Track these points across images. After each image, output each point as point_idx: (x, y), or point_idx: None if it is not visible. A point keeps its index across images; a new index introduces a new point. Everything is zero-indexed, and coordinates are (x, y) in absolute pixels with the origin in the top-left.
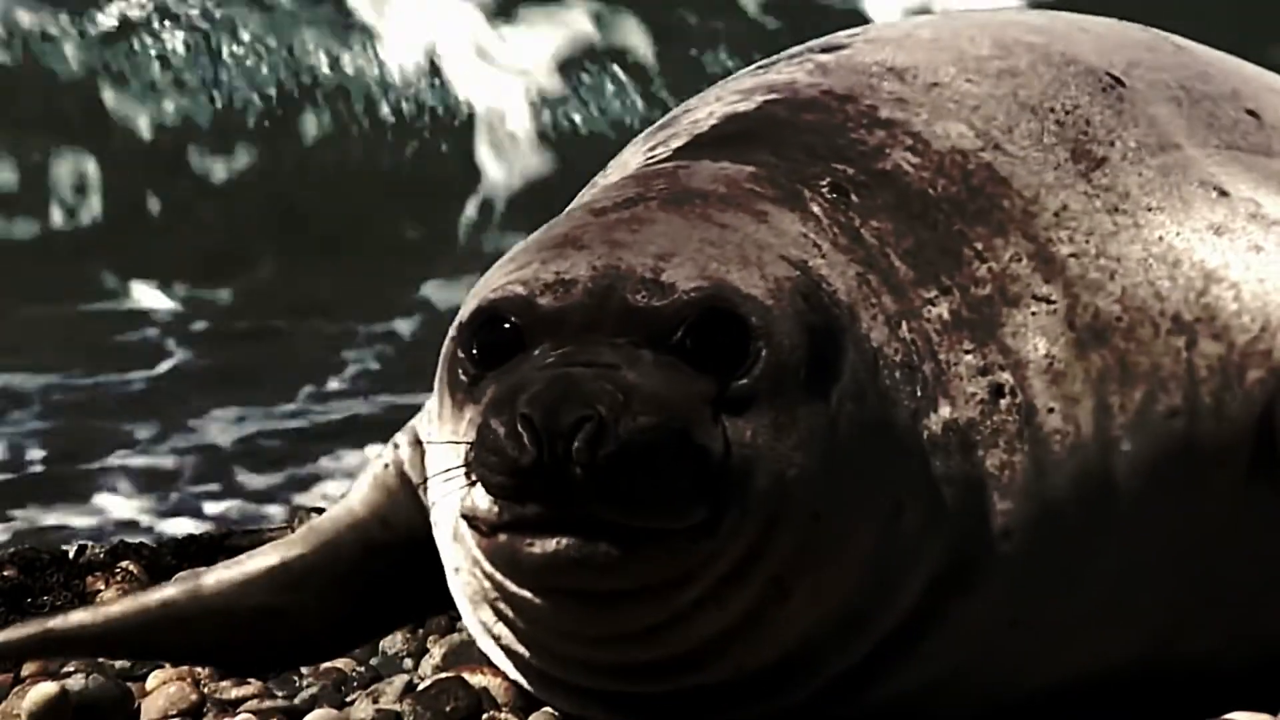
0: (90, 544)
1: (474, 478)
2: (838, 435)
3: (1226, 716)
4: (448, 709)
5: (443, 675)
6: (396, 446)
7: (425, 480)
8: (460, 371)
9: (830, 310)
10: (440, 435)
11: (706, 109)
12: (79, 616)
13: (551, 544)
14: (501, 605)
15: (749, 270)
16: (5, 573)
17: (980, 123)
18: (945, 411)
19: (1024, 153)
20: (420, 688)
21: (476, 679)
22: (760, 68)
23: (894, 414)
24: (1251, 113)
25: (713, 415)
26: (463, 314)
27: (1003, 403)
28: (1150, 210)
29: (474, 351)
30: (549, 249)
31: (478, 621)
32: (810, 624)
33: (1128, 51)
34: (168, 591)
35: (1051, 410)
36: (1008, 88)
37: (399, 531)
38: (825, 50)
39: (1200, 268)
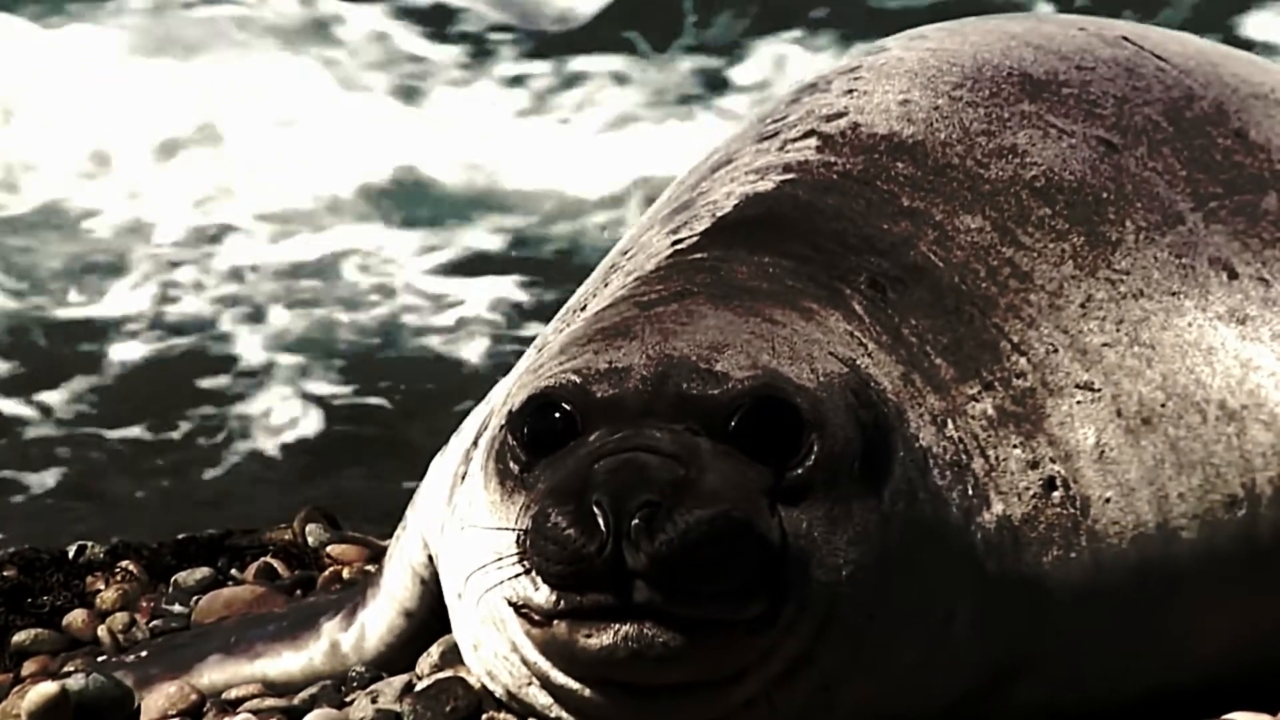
0: (90, 544)
1: (528, 566)
2: (891, 534)
3: (1226, 717)
4: (447, 708)
5: (442, 675)
6: (405, 536)
7: (433, 564)
8: (511, 459)
9: (879, 409)
10: (486, 522)
11: (723, 189)
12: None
13: (609, 635)
14: (539, 694)
15: (800, 364)
16: (5, 573)
17: (995, 213)
18: (998, 509)
19: (1040, 244)
20: (419, 687)
21: (475, 678)
22: (763, 138)
23: (945, 514)
24: (1239, 133)
25: (770, 506)
26: (514, 402)
27: (1055, 495)
28: (1173, 295)
29: (526, 439)
30: (600, 340)
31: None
32: None
33: (1112, 88)
34: (248, 673)
35: (1108, 500)
36: (1013, 169)
37: (423, 616)
38: (829, 119)
39: (1235, 356)
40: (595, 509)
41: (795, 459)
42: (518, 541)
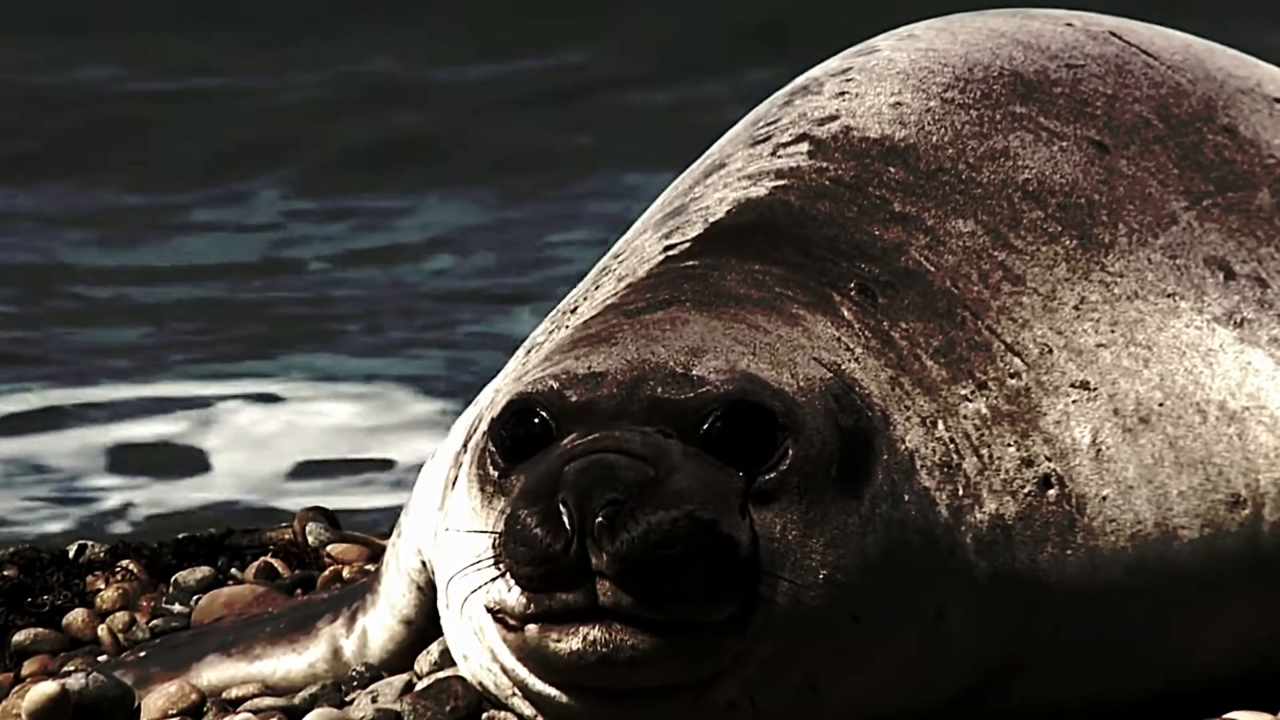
0: (90, 543)
1: (502, 569)
2: (873, 536)
3: (1226, 716)
4: (448, 707)
5: (441, 674)
6: (400, 543)
7: (428, 571)
8: (490, 464)
9: (863, 413)
10: (468, 527)
11: (716, 195)
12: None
13: (578, 638)
14: (523, 706)
15: (780, 370)
16: (5, 572)
17: (987, 216)
18: (991, 507)
19: (1033, 247)
20: (420, 686)
21: None
22: (756, 141)
23: (933, 515)
24: (1228, 129)
25: (740, 509)
26: (494, 409)
27: (1051, 493)
28: (1169, 296)
29: (505, 444)
30: (582, 346)
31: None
32: None
33: (1101, 86)
34: (247, 673)
35: (1105, 498)
36: (1005, 172)
37: (421, 623)
38: (821, 122)
39: (1235, 359)
40: (561, 508)
41: (769, 463)
42: (493, 545)
